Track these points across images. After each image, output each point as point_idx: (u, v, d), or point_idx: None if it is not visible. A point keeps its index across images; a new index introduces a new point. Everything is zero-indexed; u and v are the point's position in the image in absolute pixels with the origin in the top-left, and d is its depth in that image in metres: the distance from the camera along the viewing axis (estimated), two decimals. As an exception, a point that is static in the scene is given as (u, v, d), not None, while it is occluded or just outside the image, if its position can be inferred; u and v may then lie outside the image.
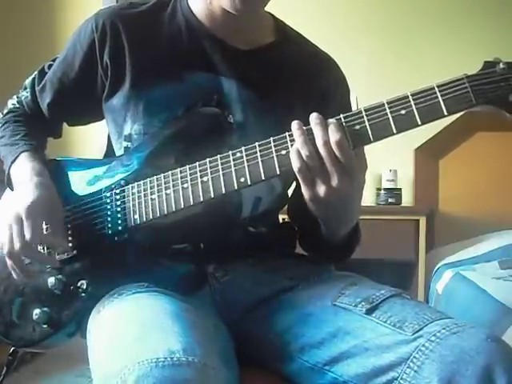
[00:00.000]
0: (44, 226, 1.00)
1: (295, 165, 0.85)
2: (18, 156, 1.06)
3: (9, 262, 0.98)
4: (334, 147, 0.84)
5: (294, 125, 0.87)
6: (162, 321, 0.81)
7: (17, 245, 0.97)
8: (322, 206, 0.90)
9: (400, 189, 2.69)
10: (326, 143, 0.84)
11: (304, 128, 0.86)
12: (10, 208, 1.00)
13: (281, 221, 1.20)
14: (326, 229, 1.01)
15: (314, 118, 0.86)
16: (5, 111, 1.18)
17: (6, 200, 1.14)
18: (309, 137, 0.85)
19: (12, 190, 1.07)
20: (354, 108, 0.90)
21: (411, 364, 0.79)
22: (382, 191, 2.65)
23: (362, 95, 1.95)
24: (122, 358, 0.75)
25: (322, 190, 0.86)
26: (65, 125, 1.21)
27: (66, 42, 1.11)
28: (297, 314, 0.94)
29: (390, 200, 2.63)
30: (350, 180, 0.86)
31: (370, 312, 0.88)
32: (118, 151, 1.07)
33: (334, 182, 0.85)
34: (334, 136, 0.84)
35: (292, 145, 0.87)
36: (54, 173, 1.06)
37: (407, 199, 2.85)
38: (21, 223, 0.97)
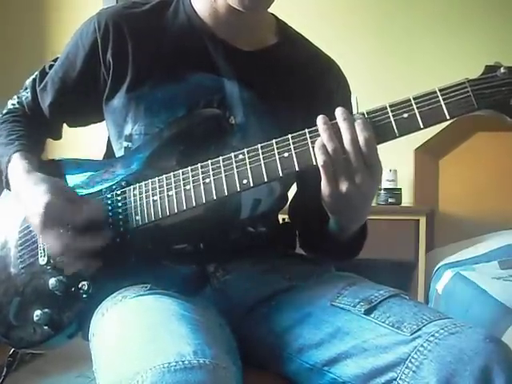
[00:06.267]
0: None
1: (320, 159, 0.85)
2: (11, 156, 1.05)
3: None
4: (362, 145, 0.84)
5: (320, 119, 0.86)
6: (168, 323, 0.81)
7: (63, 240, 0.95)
8: (341, 202, 0.89)
9: (400, 189, 2.69)
10: (354, 140, 0.84)
11: (330, 123, 0.86)
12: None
13: (281, 221, 1.20)
14: (337, 226, 1.00)
15: (340, 113, 0.86)
16: (4, 111, 1.17)
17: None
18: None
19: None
20: (354, 110, 0.90)
21: (410, 364, 0.79)
22: (382, 191, 2.65)
23: (363, 97, 1.95)
24: (133, 364, 0.74)
25: (344, 186, 0.86)
26: (65, 125, 1.21)
27: (60, 42, 1.11)
28: (296, 314, 0.94)
29: (389, 200, 2.62)
30: (373, 178, 0.86)
31: (368, 312, 0.88)
32: (118, 152, 1.07)
33: (358, 178, 0.85)
34: (363, 133, 0.84)
35: (295, 147, 0.86)
36: (53, 173, 1.05)
37: (407, 199, 2.85)
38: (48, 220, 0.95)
